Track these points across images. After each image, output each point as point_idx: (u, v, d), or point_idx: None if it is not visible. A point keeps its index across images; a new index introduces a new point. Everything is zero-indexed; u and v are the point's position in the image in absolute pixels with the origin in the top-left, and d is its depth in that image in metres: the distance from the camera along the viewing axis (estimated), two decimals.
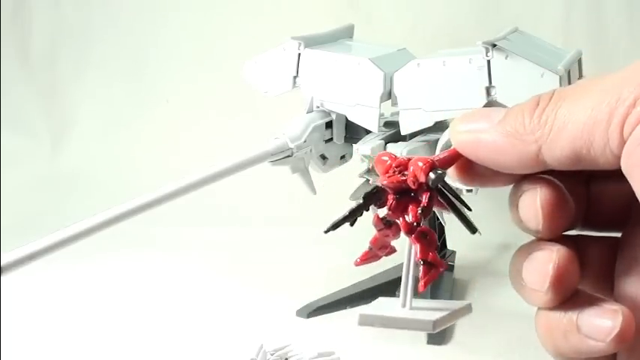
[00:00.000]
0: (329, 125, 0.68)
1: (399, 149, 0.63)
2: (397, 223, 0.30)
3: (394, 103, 0.67)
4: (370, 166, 0.26)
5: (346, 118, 0.68)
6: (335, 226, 0.31)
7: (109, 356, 0.68)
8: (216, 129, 1.16)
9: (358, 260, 0.32)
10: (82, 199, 1.08)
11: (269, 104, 0.78)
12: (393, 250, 0.31)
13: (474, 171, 0.29)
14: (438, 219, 0.73)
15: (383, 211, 0.30)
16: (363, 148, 0.65)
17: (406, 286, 0.31)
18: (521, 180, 0.29)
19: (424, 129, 0.65)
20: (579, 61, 0.68)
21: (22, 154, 1.21)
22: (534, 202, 0.28)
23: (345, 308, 0.74)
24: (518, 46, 0.62)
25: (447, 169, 0.29)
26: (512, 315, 0.66)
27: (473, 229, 0.30)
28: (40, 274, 0.82)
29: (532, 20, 1.05)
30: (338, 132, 0.70)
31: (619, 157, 0.25)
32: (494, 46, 0.61)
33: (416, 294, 0.31)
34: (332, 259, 0.87)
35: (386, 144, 0.64)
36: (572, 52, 0.68)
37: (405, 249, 0.31)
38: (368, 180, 0.70)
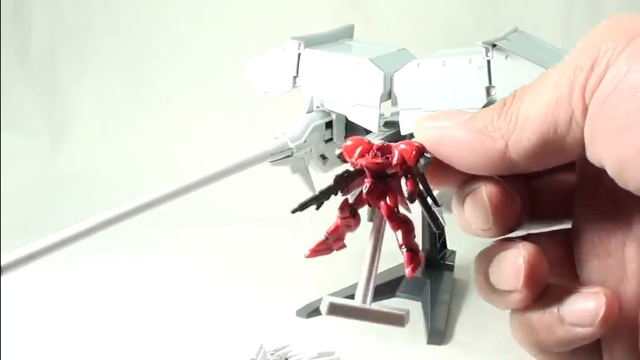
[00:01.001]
0: (329, 125, 0.68)
1: None
2: (359, 215, 0.29)
3: (394, 103, 0.67)
4: (340, 153, 0.26)
5: (346, 118, 0.68)
6: (302, 206, 0.30)
7: (109, 356, 0.68)
8: (216, 129, 1.16)
9: (309, 252, 0.31)
10: (82, 199, 1.08)
11: (269, 104, 0.78)
12: (344, 246, 0.30)
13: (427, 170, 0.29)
14: (438, 219, 0.73)
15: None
16: None
17: (368, 281, 0.29)
18: (465, 181, 0.29)
19: None
20: None
21: (22, 154, 1.22)
22: (482, 198, 0.28)
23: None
24: (518, 46, 0.62)
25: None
26: None
27: (439, 225, 0.29)
28: (40, 274, 0.82)
29: (532, 20, 1.05)
30: (338, 132, 0.70)
31: (583, 130, 0.25)
32: (494, 46, 0.61)
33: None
34: (332, 259, 0.87)
35: None
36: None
37: (367, 245, 0.30)
38: None
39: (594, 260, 0.28)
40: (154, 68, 1.23)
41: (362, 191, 0.28)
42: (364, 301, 0.28)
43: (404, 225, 0.28)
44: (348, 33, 0.77)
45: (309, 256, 0.30)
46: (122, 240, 0.82)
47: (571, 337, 0.27)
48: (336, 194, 0.28)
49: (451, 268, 0.81)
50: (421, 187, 0.28)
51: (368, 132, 0.67)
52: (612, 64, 0.24)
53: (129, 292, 0.81)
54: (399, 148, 0.28)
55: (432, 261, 0.80)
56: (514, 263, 0.28)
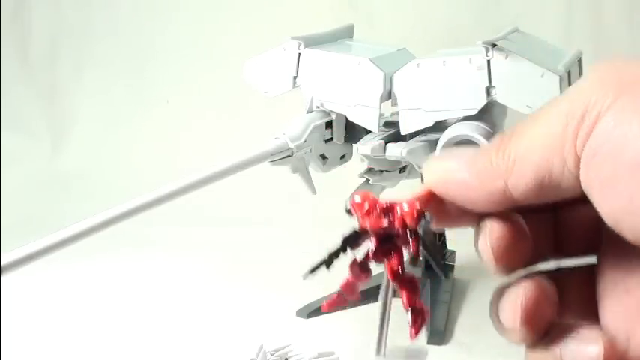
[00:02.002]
0: (329, 125, 0.68)
1: (398, 149, 0.63)
2: (370, 268, 0.30)
3: (394, 103, 0.67)
4: (349, 209, 0.26)
5: (346, 118, 0.68)
6: (313, 270, 0.31)
7: (109, 356, 0.68)
8: (216, 129, 1.16)
9: (326, 305, 0.32)
10: (82, 199, 1.08)
11: (269, 104, 0.78)
12: (358, 297, 0.31)
13: (443, 211, 0.30)
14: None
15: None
16: (363, 148, 0.65)
17: (382, 334, 0.31)
18: (479, 220, 0.29)
19: (424, 129, 0.65)
20: (579, 61, 0.68)
21: (22, 154, 1.22)
22: (484, 241, 0.29)
23: (345, 308, 0.74)
24: (518, 46, 0.62)
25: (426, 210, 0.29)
26: None
27: (446, 273, 0.30)
28: (40, 274, 0.82)
29: (532, 20, 1.05)
30: (338, 132, 0.70)
31: (578, 178, 0.26)
32: (494, 46, 0.61)
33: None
34: None
35: (386, 144, 0.64)
36: (572, 52, 0.68)
37: (380, 297, 0.31)
38: (368, 180, 0.70)
39: (613, 299, 0.29)
40: (154, 68, 1.23)
41: (369, 250, 0.29)
42: (379, 352, 0.31)
43: (408, 285, 0.29)
44: (348, 33, 0.77)
45: (324, 310, 0.32)
46: (122, 240, 0.82)
47: None
48: (345, 253, 0.30)
49: (451, 268, 0.81)
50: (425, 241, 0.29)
51: (368, 132, 0.67)
52: (601, 118, 0.25)
53: (129, 292, 0.81)
54: (401, 209, 0.29)
55: (432, 261, 0.80)
56: (513, 303, 0.28)
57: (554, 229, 0.31)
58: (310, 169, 0.70)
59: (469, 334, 0.70)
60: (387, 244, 0.29)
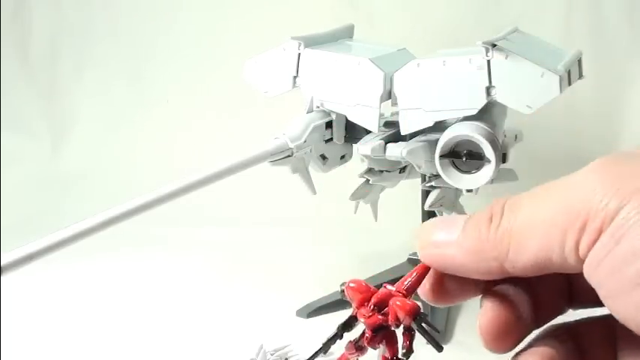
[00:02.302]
0: (329, 125, 0.68)
1: (398, 149, 0.63)
2: (365, 347, 0.30)
3: (394, 103, 0.67)
4: (343, 290, 0.28)
5: (346, 118, 0.68)
6: (311, 358, 0.33)
7: (109, 356, 0.68)
8: (216, 129, 1.16)
9: None
10: (82, 199, 1.08)
11: (269, 104, 0.78)
12: None
13: (443, 288, 0.30)
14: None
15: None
16: (363, 148, 0.65)
17: None
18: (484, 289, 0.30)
19: (424, 129, 0.65)
20: (579, 61, 0.68)
21: (22, 154, 1.22)
22: (478, 325, 0.29)
23: (345, 308, 0.73)
24: (518, 46, 0.62)
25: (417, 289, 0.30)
26: None
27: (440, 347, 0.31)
28: (40, 274, 0.82)
29: (532, 20, 1.05)
30: (338, 132, 0.70)
31: (580, 269, 0.26)
32: (494, 46, 0.61)
33: None
34: (332, 259, 0.88)
35: (386, 144, 0.64)
36: (572, 52, 0.68)
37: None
38: (368, 180, 0.70)
39: (629, 349, 0.29)
40: (154, 68, 1.23)
41: (364, 331, 0.30)
42: None
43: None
44: (348, 33, 0.77)
45: None
46: (122, 240, 0.82)
47: None
48: (341, 338, 0.31)
49: None
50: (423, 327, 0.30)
51: (368, 132, 0.67)
52: (604, 231, 0.25)
53: (129, 292, 0.81)
54: (395, 305, 0.29)
55: None
56: None
57: (567, 280, 0.30)
58: (310, 169, 0.70)
59: (469, 334, 0.70)
60: (381, 333, 0.30)
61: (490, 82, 0.61)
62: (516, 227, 0.26)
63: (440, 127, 0.64)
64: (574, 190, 0.26)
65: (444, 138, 0.61)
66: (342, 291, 0.31)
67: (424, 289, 0.30)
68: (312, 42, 0.69)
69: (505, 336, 0.29)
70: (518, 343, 0.30)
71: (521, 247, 0.26)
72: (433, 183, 0.67)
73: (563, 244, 0.25)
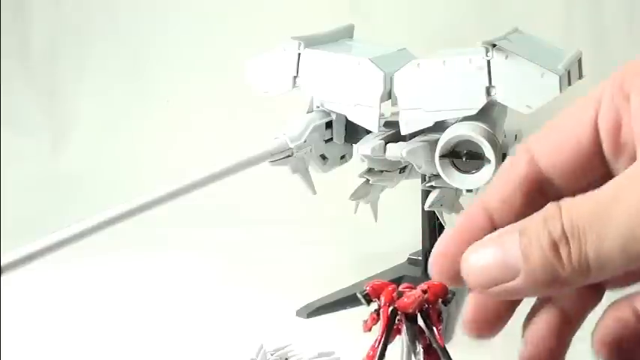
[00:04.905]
0: (329, 125, 0.68)
1: (398, 149, 0.63)
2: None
3: (394, 103, 0.67)
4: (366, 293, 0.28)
5: (346, 118, 0.68)
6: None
7: (108, 356, 0.68)
8: (216, 129, 1.16)
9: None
10: (82, 199, 1.08)
11: (269, 104, 0.78)
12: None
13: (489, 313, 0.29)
14: (437, 219, 0.73)
15: None
16: (363, 148, 0.65)
17: None
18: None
19: (424, 129, 0.65)
20: (579, 61, 0.68)
21: (22, 154, 1.21)
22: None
23: (345, 308, 0.74)
24: (518, 46, 0.62)
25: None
26: None
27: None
28: (40, 274, 0.82)
29: (532, 20, 1.05)
30: (338, 132, 0.70)
31: None
32: (494, 46, 0.61)
33: None
34: (332, 259, 0.87)
35: (386, 144, 0.64)
36: (572, 52, 0.68)
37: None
38: (368, 180, 0.70)
39: None
40: (154, 68, 1.23)
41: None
42: None
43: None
44: (348, 33, 0.77)
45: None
46: (122, 240, 0.82)
47: None
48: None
49: None
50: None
51: (368, 132, 0.67)
52: None
53: (128, 292, 0.81)
54: (429, 284, 0.29)
55: None
56: None
57: None
58: (310, 169, 0.70)
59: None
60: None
61: (490, 82, 0.61)
62: (593, 253, 0.24)
63: (440, 127, 0.64)
64: (635, 184, 0.24)
65: (444, 138, 0.62)
66: (365, 295, 0.30)
67: (468, 321, 0.29)
68: (312, 42, 0.69)
69: (487, 320, 0.29)
70: (502, 327, 0.29)
71: (605, 269, 0.24)
72: (433, 183, 0.67)
73: None
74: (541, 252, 0.25)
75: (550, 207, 0.25)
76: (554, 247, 0.24)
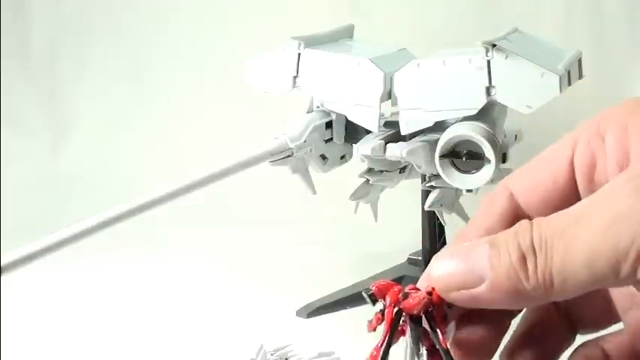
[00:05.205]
0: (329, 125, 0.68)
1: (398, 149, 0.63)
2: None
3: (394, 103, 0.67)
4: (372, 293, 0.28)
5: (346, 118, 0.68)
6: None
7: (108, 356, 0.68)
8: (216, 129, 1.16)
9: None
10: (82, 199, 1.08)
11: (269, 104, 0.78)
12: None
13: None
14: (437, 219, 0.73)
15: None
16: (363, 148, 0.65)
17: None
18: None
19: (424, 129, 0.65)
20: (579, 61, 0.68)
21: (22, 154, 1.21)
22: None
23: (345, 308, 0.74)
24: (518, 46, 0.62)
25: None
26: None
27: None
28: (40, 274, 0.82)
29: (532, 20, 1.05)
30: (338, 132, 0.70)
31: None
32: (494, 46, 0.61)
33: None
34: (332, 259, 0.87)
35: (386, 144, 0.64)
36: (572, 52, 0.68)
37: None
38: (368, 180, 0.70)
39: None
40: (154, 68, 1.23)
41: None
42: None
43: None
44: (348, 33, 0.77)
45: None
46: (122, 240, 0.82)
47: None
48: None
49: None
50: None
51: (368, 132, 0.67)
52: None
53: (128, 292, 0.81)
54: (429, 289, 0.29)
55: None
56: None
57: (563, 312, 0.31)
58: (310, 169, 0.70)
59: None
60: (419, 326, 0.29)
61: (490, 82, 0.61)
62: (557, 267, 0.25)
63: (440, 127, 0.64)
64: (612, 211, 0.24)
65: (444, 138, 0.62)
66: (371, 295, 0.30)
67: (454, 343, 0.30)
68: (312, 42, 0.69)
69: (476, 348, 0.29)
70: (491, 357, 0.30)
71: (567, 284, 0.25)
72: (433, 183, 0.67)
73: (617, 273, 0.24)
74: (508, 262, 0.25)
75: (523, 222, 0.26)
76: (522, 258, 0.25)
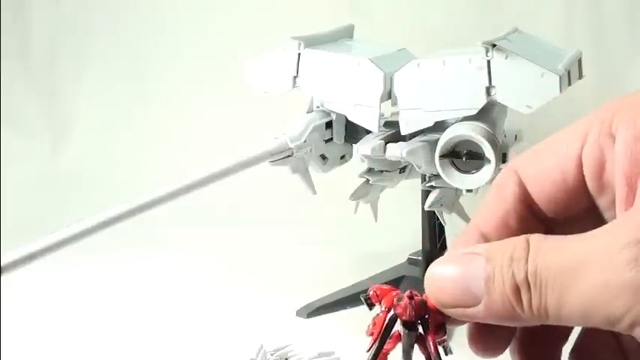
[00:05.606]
0: (329, 125, 0.68)
1: (398, 149, 0.63)
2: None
3: (394, 103, 0.67)
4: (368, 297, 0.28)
5: (346, 118, 0.68)
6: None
7: (109, 356, 0.68)
8: (216, 129, 1.16)
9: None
10: (82, 199, 1.08)
11: (269, 104, 0.78)
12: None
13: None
14: (437, 219, 0.73)
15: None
16: (363, 148, 0.65)
17: None
18: None
19: (424, 129, 0.65)
20: (579, 61, 0.68)
21: (22, 154, 1.21)
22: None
23: (345, 308, 0.74)
24: (518, 46, 0.62)
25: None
26: None
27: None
28: (40, 274, 0.82)
29: (532, 20, 1.05)
30: (338, 132, 0.70)
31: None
32: (494, 46, 0.61)
33: None
34: (332, 259, 0.87)
35: (386, 144, 0.64)
36: (572, 52, 0.68)
37: None
38: (368, 180, 0.70)
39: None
40: (153, 68, 1.23)
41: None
42: None
43: None
44: (348, 33, 0.77)
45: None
46: (122, 240, 0.82)
47: None
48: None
49: None
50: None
51: (368, 132, 0.67)
52: None
53: (128, 292, 0.81)
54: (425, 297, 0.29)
55: (432, 261, 0.80)
56: None
57: None
58: (310, 169, 0.70)
59: None
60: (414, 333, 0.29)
61: (490, 82, 0.61)
62: (552, 307, 0.24)
63: (440, 127, 0.64)
64: (610, 276, 0.23)
65: (444, 138, 0.61)
66: (367, 299, 0.29)
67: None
68: (312, 42, 0.69)
69: (492, 341, 0.29)
70: (507, 345, 0.30)
71: (563, 321, 0.25)
72: (433, 183, 0.67)
73: (613, 323, 0.24)
74: (503, 291, 0.25)
75: (519, 244, 0.25)
76: (516, 290, 0.25)
